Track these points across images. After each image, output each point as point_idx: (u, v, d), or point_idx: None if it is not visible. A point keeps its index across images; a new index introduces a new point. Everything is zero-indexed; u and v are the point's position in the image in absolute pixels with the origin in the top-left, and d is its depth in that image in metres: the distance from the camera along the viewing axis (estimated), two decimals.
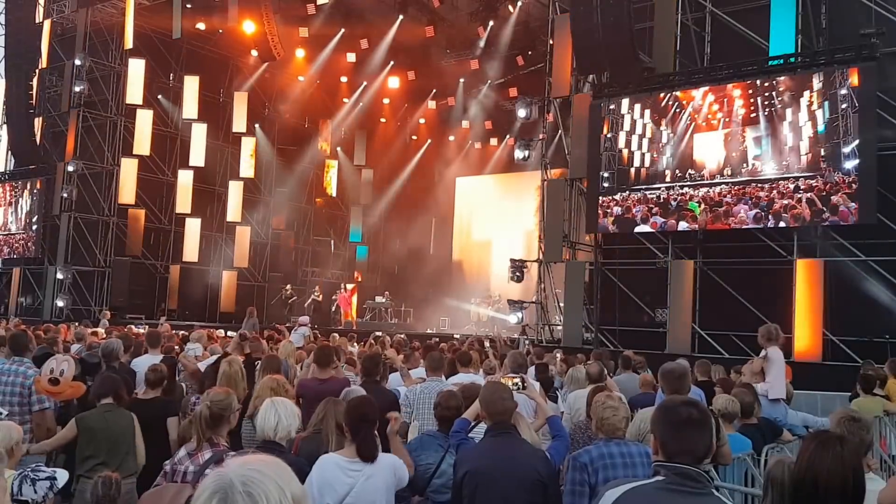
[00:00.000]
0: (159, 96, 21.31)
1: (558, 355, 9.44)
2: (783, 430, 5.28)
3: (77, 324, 13.40)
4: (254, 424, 3.84)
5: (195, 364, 6.94)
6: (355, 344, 11.00)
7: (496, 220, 24.50)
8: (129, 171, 19.90)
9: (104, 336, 9.34)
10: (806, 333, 10.92)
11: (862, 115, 10.77)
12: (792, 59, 11.78)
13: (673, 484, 2.03)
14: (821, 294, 10.97)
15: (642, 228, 12.85)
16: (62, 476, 3.05)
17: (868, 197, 10.60)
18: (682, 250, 12.72)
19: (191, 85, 21.04)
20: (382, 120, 25.38)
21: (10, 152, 22.13)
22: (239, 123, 22.00)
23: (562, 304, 14.64)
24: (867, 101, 10.76)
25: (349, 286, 22.23)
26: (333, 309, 21.79)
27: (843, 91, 10.98)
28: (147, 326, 13.34)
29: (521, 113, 16.67)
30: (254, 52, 20.55)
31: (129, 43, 19.29)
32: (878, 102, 10.81)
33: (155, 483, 3.31)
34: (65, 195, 19.32)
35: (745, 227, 11.81)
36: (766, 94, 11.79)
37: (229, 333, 9.05)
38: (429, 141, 25.57)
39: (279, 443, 3.45)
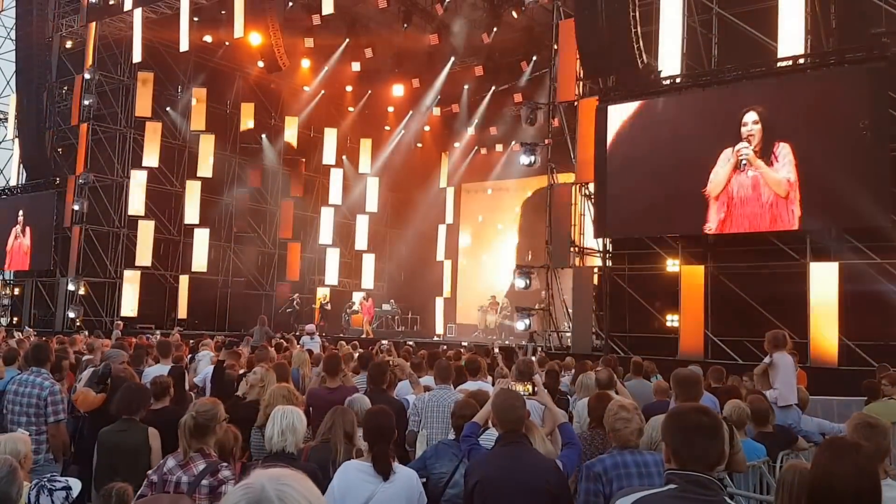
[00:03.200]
0: (167, 108, 21.52)
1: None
2: (798, 437, 5.20)
3: (88, 334, 13.51)
4: (262, 434, 3.83)
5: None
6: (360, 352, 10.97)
7: (503, 226, 24.48)
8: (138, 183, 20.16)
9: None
10: (821, 337, 10.79)
11: (874, 114, 10.66)
12: (801, 60, 11.70)
13: (685, 492, 2.00)
14: (835, 297, 10.83)
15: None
16: (76, 486, 3.06)
17: (882, 198, 10.48)
18: (692, 254, 12.62)
19: (198, 97, 21.25)
20: (387, 128, 25.47)
21: (21, 165, 22.34)
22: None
23: (570, 311, 14.56)
24: (879, 101, 10.65)
25: (361, 295, 22.24)
26: (345, 318, 21.76)
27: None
28: (159, 336, 13.40)
29: (527, 118, 16.67)
30: (260, 64, 20.70)
31: (137, 56, 19.49)
32: (891, 102, 10.70)
33: (139, 493, 3.20)
34: (76, 207, 19.48)
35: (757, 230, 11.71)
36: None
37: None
38: (434, 148, 25.60)
39: (290, 454, 3.43)
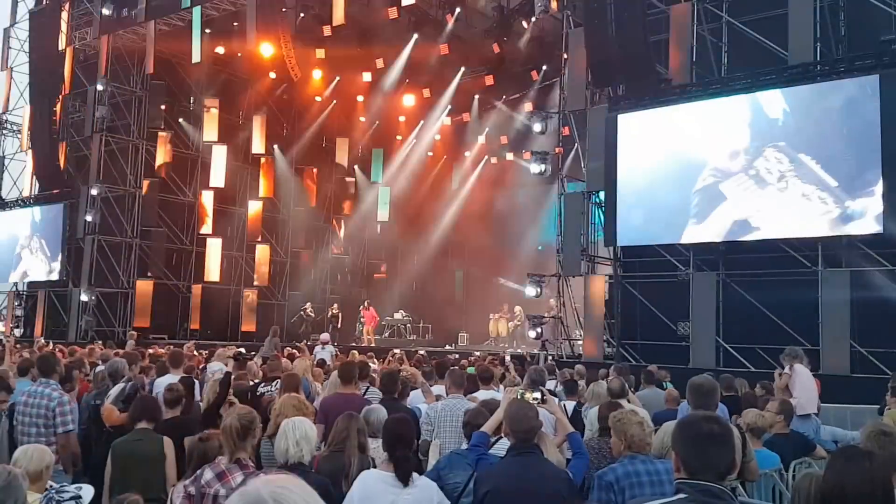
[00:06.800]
0: (180, 119, 21.73)
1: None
2: (816, 445, 5.16)
3: (101, 344, 13.61)
4: (272, 444, 3.84)
5: None
6: (375, 361, 11.00)
7: (513, 235, 24.43)
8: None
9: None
10: (833, 345, 10.68)
11: (885, 122, 10.59)
12: (811, 68, 11.66)
13: (695, 502, 1.99)
14: (847, 305, 10.74)
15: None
16: (88, 494, 3.04)
17: (894, 206, 10.39)
18: (703, 262, 12.55)
19: (210, 107, 21.48)
20: (398, 137, 25.57)
21: (34, 177, 22.61)
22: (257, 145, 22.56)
23: (582, 319, 14.51)
24: (891, 108, 10.58)
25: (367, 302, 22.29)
26: (359, 328, 21.76)
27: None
28: (171, 346, 13.47)
29: (537, 127, 16.69)
30: (272, 74, 20.89)
31: (149, 68, 19.72)
32: None
33: None
34: (88, 218, 19.67)
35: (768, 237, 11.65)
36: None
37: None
38: (444, 157, 25.67)
39: (301, 464, 3.44)
